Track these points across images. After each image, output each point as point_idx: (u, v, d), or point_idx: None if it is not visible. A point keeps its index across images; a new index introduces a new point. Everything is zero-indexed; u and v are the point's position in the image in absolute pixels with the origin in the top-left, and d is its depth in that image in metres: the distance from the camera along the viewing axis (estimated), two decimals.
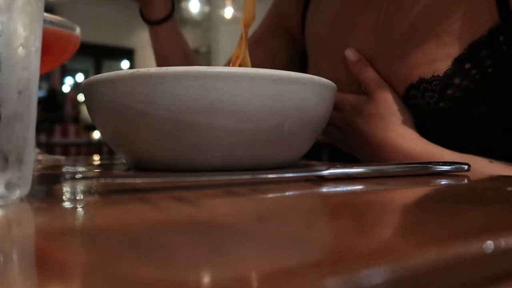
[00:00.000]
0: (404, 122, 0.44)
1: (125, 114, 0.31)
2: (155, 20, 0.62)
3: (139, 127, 0.31)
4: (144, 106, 0.30)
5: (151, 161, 0.33)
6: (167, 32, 0.63)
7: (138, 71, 0.30)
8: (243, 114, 0.30)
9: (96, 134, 3.90)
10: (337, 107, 0.49)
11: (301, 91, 0.31)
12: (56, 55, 0.50)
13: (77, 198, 0.21)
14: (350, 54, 0.48)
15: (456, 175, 0.31)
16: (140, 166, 0.35)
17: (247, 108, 0.29)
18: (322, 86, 0.33)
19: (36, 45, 0.19)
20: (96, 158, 0.63)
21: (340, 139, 0.52)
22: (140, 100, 0.30)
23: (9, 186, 0.18)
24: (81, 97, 4.24)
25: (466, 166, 0.32)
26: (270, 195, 0.22)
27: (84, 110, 4.27)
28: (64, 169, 0.39)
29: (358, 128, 0.47)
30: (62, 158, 0.45)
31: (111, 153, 1.78)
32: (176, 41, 0.64)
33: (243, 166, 0.32)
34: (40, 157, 0.49)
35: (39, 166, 0.41)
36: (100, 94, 0.32)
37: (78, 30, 0.52)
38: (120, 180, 0.25)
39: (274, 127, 0.31)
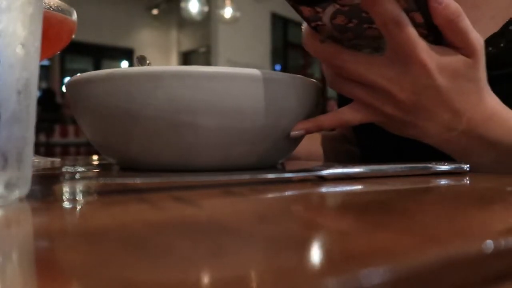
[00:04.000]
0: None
1: (104, 114, 0.31)
2: None
3: (118, 127, 0.31)
4: (122, 106, 0.30)
5: (134, 161, 0.33)
6: None
7: (116, 70, 0.30)
8: (224, 113, 0.30)
9: None
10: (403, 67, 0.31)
11: (283, 90, 0.32)
12: (49, 42, 0.47)
13: (77, 198, 0.21)
14: None
15: (456, 175, 0.31)
16: (123, 166, 0.35)
17: (227, 108, 0.30)
18: (308, 84, 0.34)
19: (35, 45, 0.19)
20: (95, 158, 0.63)
21: (407, 119, 0.34)
22: (119, 99, 0.30)
23: (8, 186, 0.18)
24: None
25: (466, 166, 0.32)
26: (269, 195, 0.22)
27: None
28: (64, 169, 0.39)
29: (452, 99, 0.32)
30: (57, 160, 0.45)
31: None
32: None
33: (227, 166, 0.32)
34: (34, 159, 0.49)
35: (34, 169, 0.41)
36: (80, 94, 0.32)
37: (74, 15, 0.49)
38: (119, 180, 0.25)
39: (257, 126, 0.31)
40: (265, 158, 0.34)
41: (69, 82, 0.34)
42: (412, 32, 0.30)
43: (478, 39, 0.32)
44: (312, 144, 0.68)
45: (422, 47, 0.30)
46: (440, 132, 0.34)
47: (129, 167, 0.34)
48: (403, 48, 0.30)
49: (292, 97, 0.33)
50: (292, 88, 0.33)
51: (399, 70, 0.31)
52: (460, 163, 0.32)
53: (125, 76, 0.29)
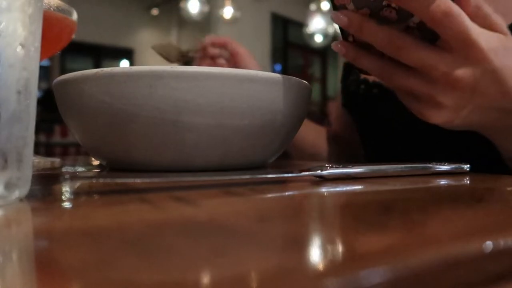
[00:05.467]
0: None
1: (99, 114, 0.31)
2: None
3: (103, 127, 0.31)
4: (108, 106, 0.30)
5: (127, 161, 0.33)
6: None
7: (102, 70, 0.30)
8: (210, 113, 0.30)
9: None
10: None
11: (276, 91, 0.32)
12: (49, 42, 0.47)
13: (76, 198, 0.21)
14: None
15: (456, 175, 0.31)
16: (115, 167, 0.35)
17: (213, 107, 0.30)
18: (299, 85, 0.34)
19: (35, 45, 0.19)
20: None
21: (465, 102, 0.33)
22: (104, 100, 0.30)
23: (8, 186, 0.18)
24: None
25: (466, 166, 0.32)
26: (269, 195, 0.22)
27: None
28: (64, 169, 0.39)
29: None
30: (57, 160, 0.45)
31: None
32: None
33: (223, 165, 0.32)
34: (34, 159, 0.48)
35: (34, 169, 0.41)
36: (67, 94, 0.32)
37: (74, 15, 0.48)
38: (119, 180, 0.25)
39: (252, 125, 0.31)
40: (259, 157, 0.34)
41: (54, 82, 0.33)
42: (465, 20, 0.30)
43: (500, 22, 0.32)
44: (318, 137, 0.68)
45: (474, 31, 0.30)
46: (495, 118, 0.34)
47: (122, 168, 0.34)
48: (458, 36, 0.30)
49: (286, 97, 0.33)
50: (287, 89, 0.33)
51: (457, 56, 0.31)
52: (460, 163, 0.32)
53: (122, 75, 0.29)
